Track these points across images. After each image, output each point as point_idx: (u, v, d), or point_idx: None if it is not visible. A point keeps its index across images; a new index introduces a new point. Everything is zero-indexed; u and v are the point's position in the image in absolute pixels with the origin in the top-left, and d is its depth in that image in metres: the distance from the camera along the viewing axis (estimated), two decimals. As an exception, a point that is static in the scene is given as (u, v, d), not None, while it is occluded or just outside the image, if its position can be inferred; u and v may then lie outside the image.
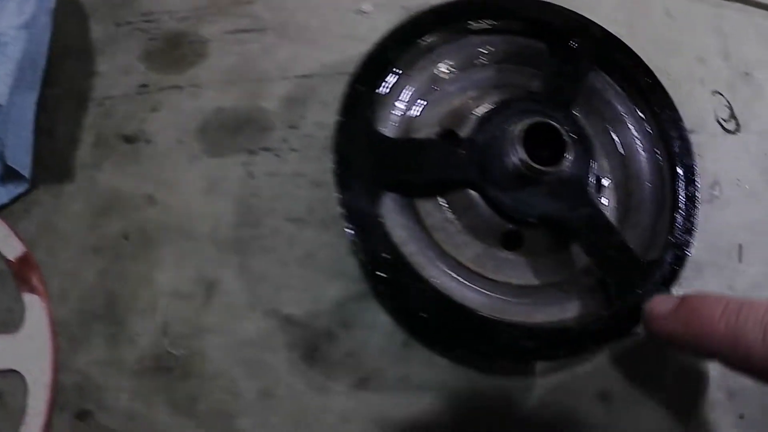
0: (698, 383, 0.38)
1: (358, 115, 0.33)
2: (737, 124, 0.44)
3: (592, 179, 0.35)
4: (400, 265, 0.31)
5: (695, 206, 0.36)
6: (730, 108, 0.44)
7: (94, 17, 0.38)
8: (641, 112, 0.38)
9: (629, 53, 0.38)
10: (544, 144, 0.33)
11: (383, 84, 0.34)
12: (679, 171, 0.36)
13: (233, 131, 0.37)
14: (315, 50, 0.39)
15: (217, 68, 0.38)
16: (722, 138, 0.44)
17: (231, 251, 0.35)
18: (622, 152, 0.38)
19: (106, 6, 0.39)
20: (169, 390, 0.34)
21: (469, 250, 0.34)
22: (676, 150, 0.37)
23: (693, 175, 0.37)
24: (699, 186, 0.36)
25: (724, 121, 0.44)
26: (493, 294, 0.33)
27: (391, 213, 0.33)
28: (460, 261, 0.33)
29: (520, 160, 0.32)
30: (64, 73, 0.37)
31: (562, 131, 0.33)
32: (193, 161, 0.36)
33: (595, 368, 0.37)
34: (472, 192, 0.33)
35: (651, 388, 0.38)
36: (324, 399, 0.34)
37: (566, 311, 0.34)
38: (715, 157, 0.42)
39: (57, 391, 0.33)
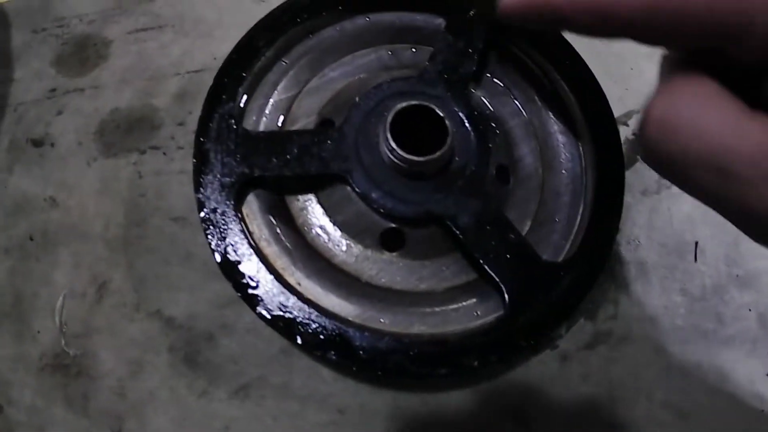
0: (640, 403, 0.32)
1: (221, 109, 0.31)
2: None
3: (492, 169, 0.31)
4: (253, 267, 0.29)
5: (620, 197, 0.30)
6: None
7: (15, 25, 0.40)
8: (559, 90, 0.32)
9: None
10: (429, 130, 0.30)
11: (251, 75, 0.32)
12: (602, 156, 0.31)
13: (126, 131, 0.36)
14: (209, 43, 0.37)
15: (116, 68, 0.38)
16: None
17: (120, 251, 0.35)
18: (536, 136, 0.33)
19: (26, 13, 0.40)
20: (65, 388, 0.34)
21: (344, 251, 0.31)
22: (600, 132, 0.31)
23: (619, 160, 0.31)
24: (626, 174, 0.31)
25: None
26: (366, 300, 0.30)
27: (256, 211, 0.31)
28: (333, 263, 0.31)
29: (390, 149, 0.29)
30: (-16, 81, 0.39)
31: (443, 115, 0.29)
32: (90, 163, 0.37)
33: (510, 385, 0.33)
34: (348, 187, 0.31)
35: (581, 408, 0.32)
36: (205, 404, 0.33)
37: (451, 322, 0.30)
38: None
39: (-26, 386, 0.34)
